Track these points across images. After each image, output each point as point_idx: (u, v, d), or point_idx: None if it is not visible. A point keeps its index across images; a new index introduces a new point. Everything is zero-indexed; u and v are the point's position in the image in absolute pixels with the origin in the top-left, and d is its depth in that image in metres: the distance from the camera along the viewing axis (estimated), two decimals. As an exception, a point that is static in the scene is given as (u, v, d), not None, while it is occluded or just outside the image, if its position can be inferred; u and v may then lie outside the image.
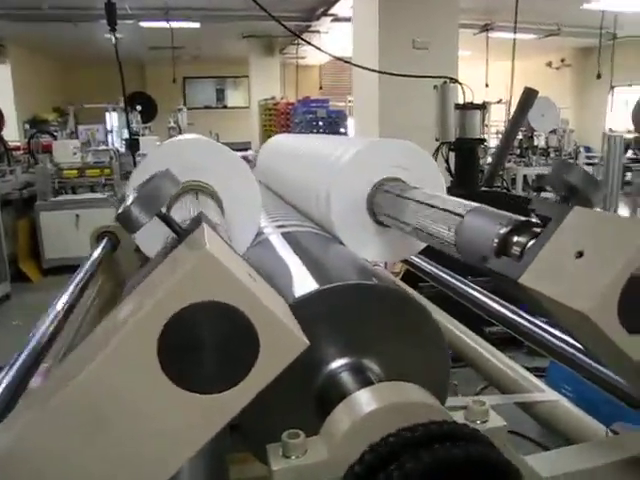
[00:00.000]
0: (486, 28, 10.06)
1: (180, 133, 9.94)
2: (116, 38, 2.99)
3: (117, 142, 10.65)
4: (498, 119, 10.41)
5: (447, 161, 3.90)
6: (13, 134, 11.07)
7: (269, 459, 0.62)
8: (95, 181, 6.80)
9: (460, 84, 3.69)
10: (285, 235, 1.16)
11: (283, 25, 3.62)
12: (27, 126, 12.10)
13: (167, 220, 0.58)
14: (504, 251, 0.66)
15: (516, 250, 0.64)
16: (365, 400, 0.67)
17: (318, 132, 8.54)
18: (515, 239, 0.65)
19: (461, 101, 3.74)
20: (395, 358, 0.82)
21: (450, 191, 3.42)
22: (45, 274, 6.47)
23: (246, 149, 12.92)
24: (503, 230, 0.68)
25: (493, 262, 0.66)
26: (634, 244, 0.49)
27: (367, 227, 1.12)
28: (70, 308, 1.45)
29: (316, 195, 1.29)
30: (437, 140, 3.82)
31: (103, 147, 8.43)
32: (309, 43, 4.20)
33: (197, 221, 0.59)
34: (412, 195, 0.97)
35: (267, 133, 11.38)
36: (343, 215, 1.12)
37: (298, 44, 11.68)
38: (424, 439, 0.51)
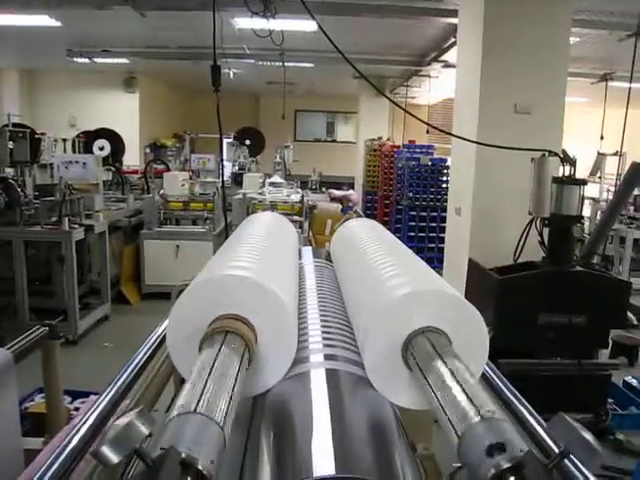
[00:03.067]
0: (605, 78, 9.55)
1: (285, 168, 10.23)
2: (218, 98, 3.11)
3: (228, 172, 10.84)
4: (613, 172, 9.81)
5: (541, 234, 3.72)
6: (134, 158, 11.95)
7: None
8: (197, 215, 7.13)
9: (561, 158, 3.51)
10: (319, 371, 1.14)
11: (374, 86, 3.65)
12: (147, 150, 13.00)
13: (140, 455, 0.61)
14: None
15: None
16: None
17: (419, 178, 8.46)
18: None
19: (561, 173, 3.56)
20: None
21: (542, 267, 3.24)
22: (143, 298, 6.84)
23: (350, 184, 13.10)
24: (492, 471, 0.63)
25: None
26: None
27: (400, 374, 1.09)
28: (150, 357, 1.57)
29: (357, 327, 1.27)
30: (530, 214, 3.66)
31: (210, 179, 8.85)
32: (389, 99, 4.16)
33: (167, 456, 0.60)
34: (433, 366, 0.93)
35: (371, 172, 11.47)
36: (376, 358, 1.09)
37: (408, 85, 11.73)
38: None
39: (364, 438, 0.94)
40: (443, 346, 1.01)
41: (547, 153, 3.56)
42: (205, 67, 3.56)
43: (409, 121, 10.96)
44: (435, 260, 7.14)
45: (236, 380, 0.88)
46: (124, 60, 10.06)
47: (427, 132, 9.91)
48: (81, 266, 5.99)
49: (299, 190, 7.47)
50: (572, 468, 0.77)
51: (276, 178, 8.07)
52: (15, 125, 6.70)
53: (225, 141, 10.40)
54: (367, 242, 1.75)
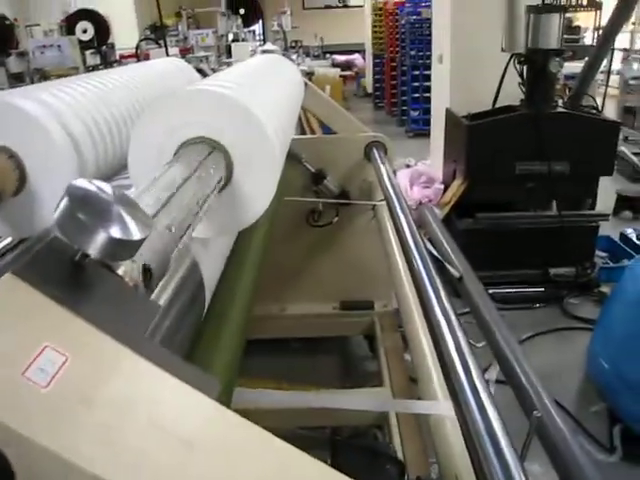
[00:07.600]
0: None
1: (284, 37, 9.62)
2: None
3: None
4: None
5: (521, 75, 3.32)
6: (133, 41, 11.37)
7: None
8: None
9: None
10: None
11: None
12: (147, 32, 12.36)
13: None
14: None
15: None
16: None
17: (422, 35, 7.80)
18: None
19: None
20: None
21: (519, 110, 2.92)
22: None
23: (356, 51, 12.22)
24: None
25: None
26: None
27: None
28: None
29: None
30: (503, 50, 3.24)
31: (202, 53, 8.41)
32: None
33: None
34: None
35: (376, 36, 10.66)
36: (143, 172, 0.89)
37: None
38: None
39: None
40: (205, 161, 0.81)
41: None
42: None
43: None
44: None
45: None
46: None
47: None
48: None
49: (292, 57, 6.99)
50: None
51: (269, 46, 7.54)
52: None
53: (218, 12, 9.74)
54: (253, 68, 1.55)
